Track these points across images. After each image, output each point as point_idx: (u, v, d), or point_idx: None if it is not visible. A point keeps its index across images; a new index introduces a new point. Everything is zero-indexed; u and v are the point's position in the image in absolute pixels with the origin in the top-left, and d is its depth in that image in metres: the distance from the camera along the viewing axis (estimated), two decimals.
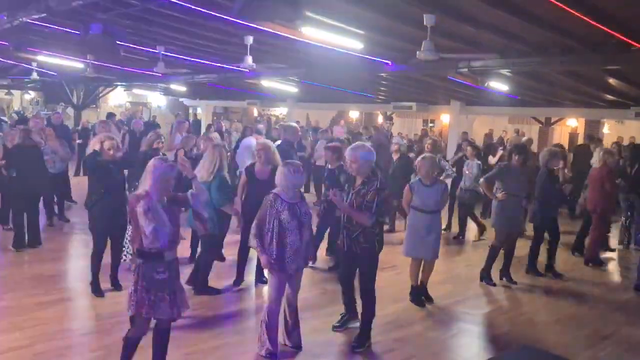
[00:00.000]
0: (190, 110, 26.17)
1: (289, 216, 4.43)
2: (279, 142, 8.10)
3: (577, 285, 7.34)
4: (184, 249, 6.43)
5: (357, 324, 5.16)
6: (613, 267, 8.61)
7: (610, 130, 16.65)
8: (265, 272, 5.14)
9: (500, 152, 11.15)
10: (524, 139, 14.26)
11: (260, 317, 4.76)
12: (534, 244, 7.62)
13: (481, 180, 7.09)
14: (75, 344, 4.74)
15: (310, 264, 4.90)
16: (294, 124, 9.36)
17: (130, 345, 3.95)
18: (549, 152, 7.62)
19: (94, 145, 5.88)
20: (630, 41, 6.30)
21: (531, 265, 7.57)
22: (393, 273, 7.01)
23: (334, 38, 7.31)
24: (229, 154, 12.56)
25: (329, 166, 7.14)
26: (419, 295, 6.15)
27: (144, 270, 3.81)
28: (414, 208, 6.04)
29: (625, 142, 16.72)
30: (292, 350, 4.78)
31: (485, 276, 7.05)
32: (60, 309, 5.50)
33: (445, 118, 17.42)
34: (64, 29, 8.67)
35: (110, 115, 15.00)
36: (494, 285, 6.97)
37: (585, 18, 5.39)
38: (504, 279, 7.12)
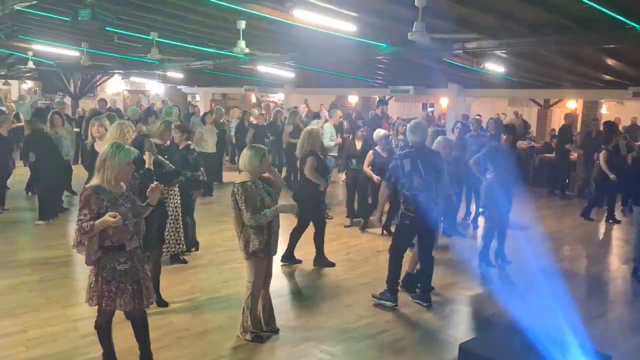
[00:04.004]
0: (189, 98, 26.07)
1: (271, 201, 4.43)
2: None
3: (571, 265, 7.36)
4: None
5: (391, 304, 5.48)
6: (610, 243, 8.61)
7: (609, 112, 16.52)
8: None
9: None
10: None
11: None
12: None
13: (471, 161, 7.03)
14: (67, 329, 4.76)
15: None
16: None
17: (102, 330, 3.89)
18: None
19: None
20: (623, 19, 6.23)
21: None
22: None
23: (326, 21, 7.24)
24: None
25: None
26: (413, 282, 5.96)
27: (104, 261, 3.62)
28: None
29: (627, 123, 16.74)
30: (282, 335, 4.80)
31: (483, 258, 7.03)
32: (53, 296, 5.52)
33: (444, 102, 17.32)
34: (54, 15, 8.61)
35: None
36: (493, 266, 6.95)
37: None
38: (498, 259, 7.12)
